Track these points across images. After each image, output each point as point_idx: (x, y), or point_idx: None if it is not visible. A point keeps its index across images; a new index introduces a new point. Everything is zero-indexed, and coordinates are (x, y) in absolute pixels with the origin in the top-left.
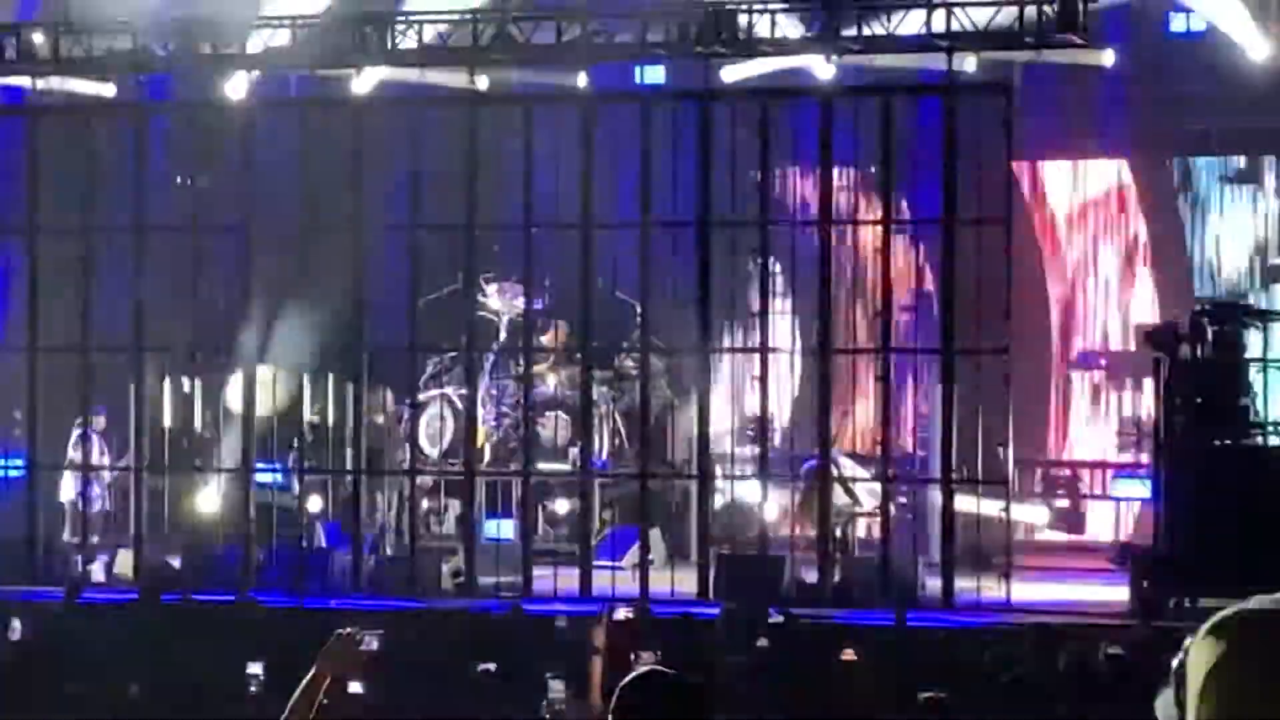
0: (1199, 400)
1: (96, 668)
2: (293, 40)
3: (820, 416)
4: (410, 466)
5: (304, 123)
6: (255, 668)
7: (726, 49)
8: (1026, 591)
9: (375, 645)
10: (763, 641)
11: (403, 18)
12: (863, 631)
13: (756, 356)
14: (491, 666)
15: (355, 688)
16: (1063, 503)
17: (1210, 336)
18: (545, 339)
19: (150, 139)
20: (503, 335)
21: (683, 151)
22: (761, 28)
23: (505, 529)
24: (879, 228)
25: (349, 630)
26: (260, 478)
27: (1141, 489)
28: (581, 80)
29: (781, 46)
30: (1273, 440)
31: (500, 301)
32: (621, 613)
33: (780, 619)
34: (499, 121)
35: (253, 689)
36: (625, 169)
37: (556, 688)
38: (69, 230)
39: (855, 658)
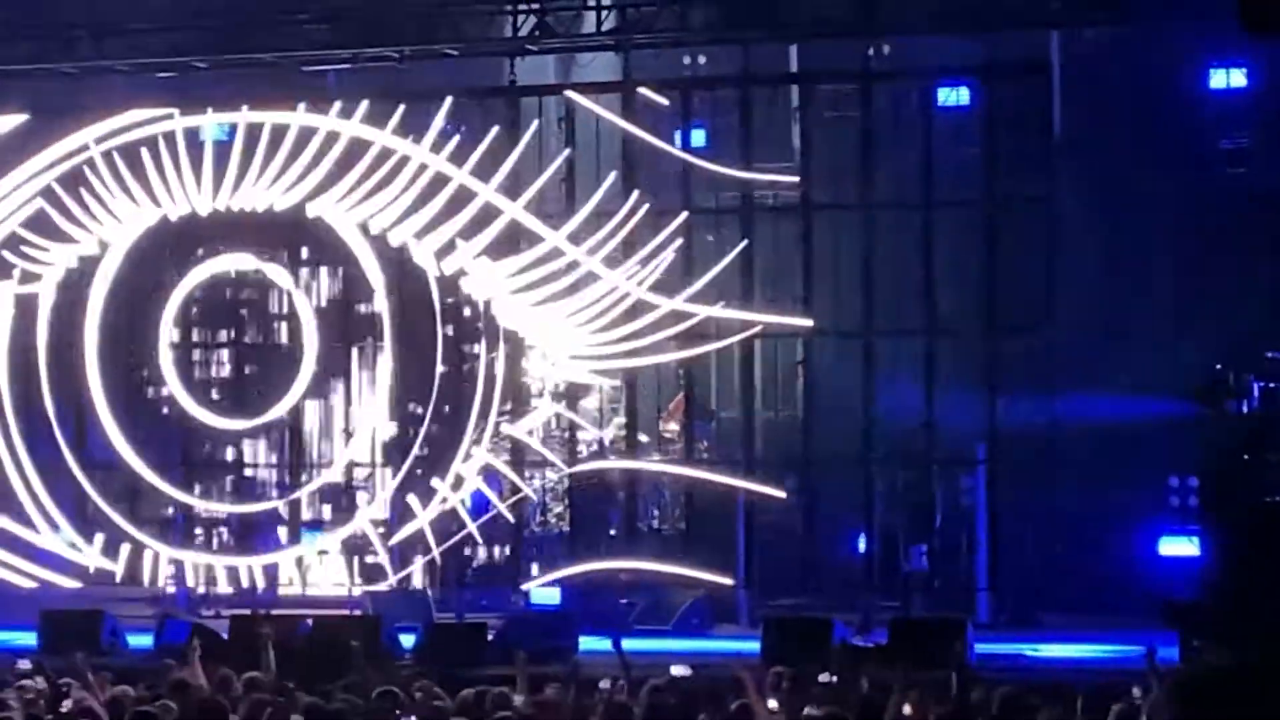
0: (1245, 456)
1: None
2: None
3: (865, 401)
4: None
5: None
6: None
7: (766, 33)
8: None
9: None
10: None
11: (440, 9)
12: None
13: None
14: None
15: None
16: None
17: (1256, 391)
18: (585, 403)
19: None
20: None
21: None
22: (802, 12)
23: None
24: None
25: None
26: None
27: (1189, 546)
28: None
29: (821, 30)
30: None
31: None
32: (678, 669)
33: (833, 679)
34: None
35: None
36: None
37: None
38: None
39: (911, 709)
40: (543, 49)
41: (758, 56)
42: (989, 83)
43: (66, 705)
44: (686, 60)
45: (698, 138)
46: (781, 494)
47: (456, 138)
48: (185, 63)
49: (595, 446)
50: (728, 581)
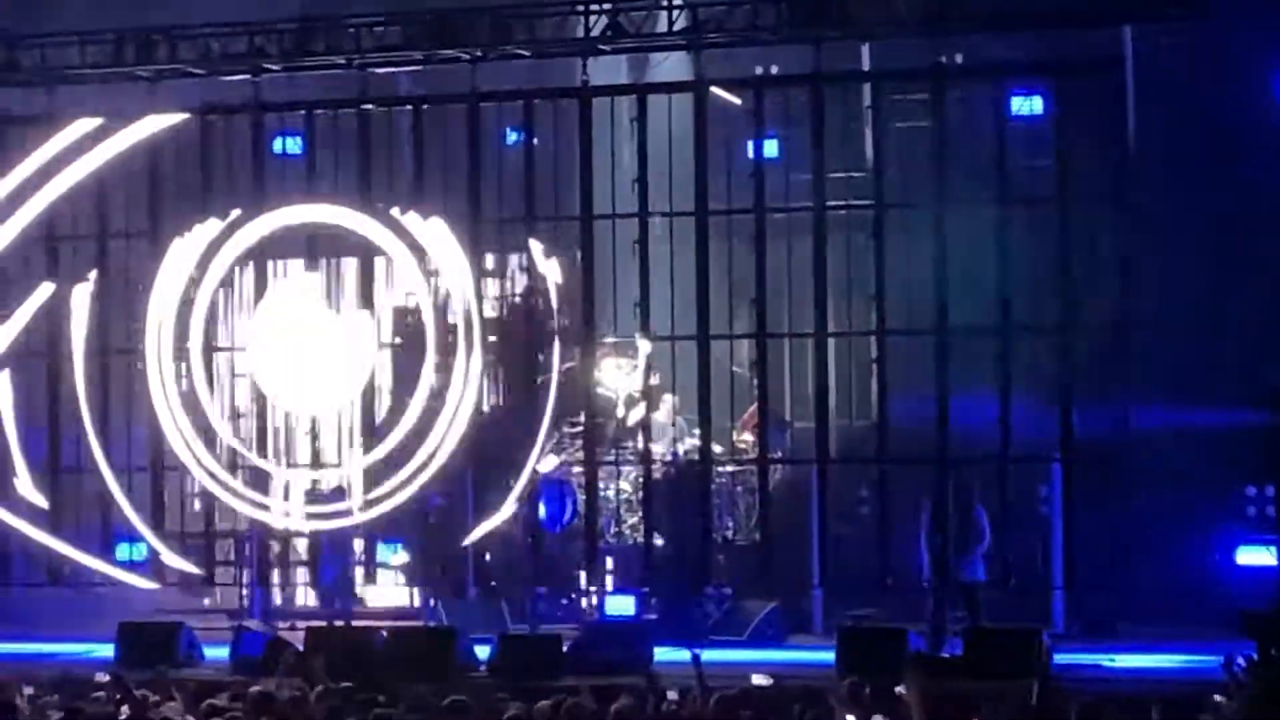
0: None
1: None
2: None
3: (940, 403)
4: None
5: None
6: None
7: (837, 32)
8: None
9: None
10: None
11: (514, 10)
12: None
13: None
14: None
15: None
16: None
17: None
18: (657, 415)
19: None
20: (620, 410)
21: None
22: (872, 10)
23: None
24: None
25: None
26: None
27: (1268, 556)
28: None
29: (893, 29)
30: None
31: (616, 378)
32: (758, 679)
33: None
34: None
35: None
36: None
37: None
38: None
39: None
40: (615, 49)
41: (831, 62)
42: (1063, 80)
43: (124, 712)
44: (759, 70)
45: (770, 148)
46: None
47: None
48: (258, 66)
49: (671, 457)
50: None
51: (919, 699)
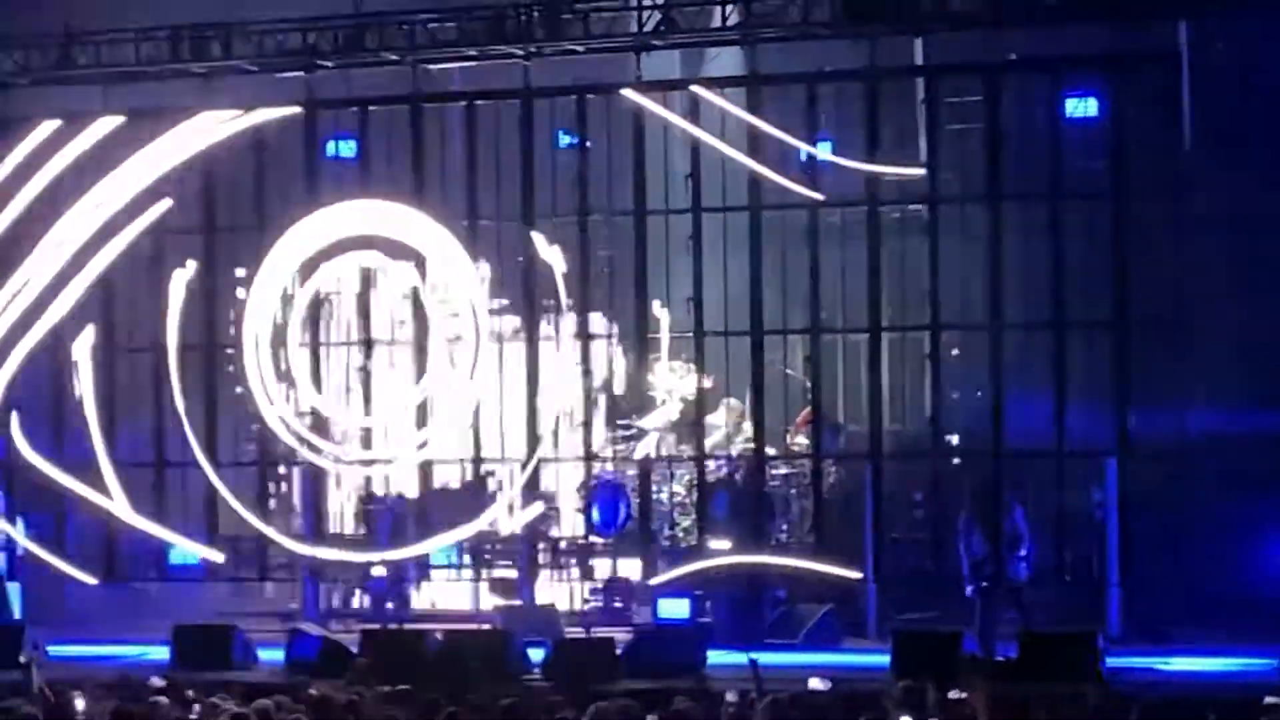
0: None
1: None
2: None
3: (995, 399)
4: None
5: None
6: None
7: (891, 27)
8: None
9: None
10: None
11: (567, 6)
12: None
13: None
14: None
15: None
16: None
17: None
18: (712, 418)
19: None
20: (674, 414)
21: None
22: (926, 5)
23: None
24: None
25: None
26: None
27: None
28: None
29: (946, 21)
30: None
31: (670, 380)
32: (815, 683)
33: (961, 695)
34: None
35: None
36: None
37: None
38: None
39: None
40: (668, 44)
41: (884, 61)
42: (1118, 76)
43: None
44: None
45: (823, 150)
46: (857, 575)
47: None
48: (312, 62)
49: (724, 460)
50: (856, 575)
51: (985, 702)
